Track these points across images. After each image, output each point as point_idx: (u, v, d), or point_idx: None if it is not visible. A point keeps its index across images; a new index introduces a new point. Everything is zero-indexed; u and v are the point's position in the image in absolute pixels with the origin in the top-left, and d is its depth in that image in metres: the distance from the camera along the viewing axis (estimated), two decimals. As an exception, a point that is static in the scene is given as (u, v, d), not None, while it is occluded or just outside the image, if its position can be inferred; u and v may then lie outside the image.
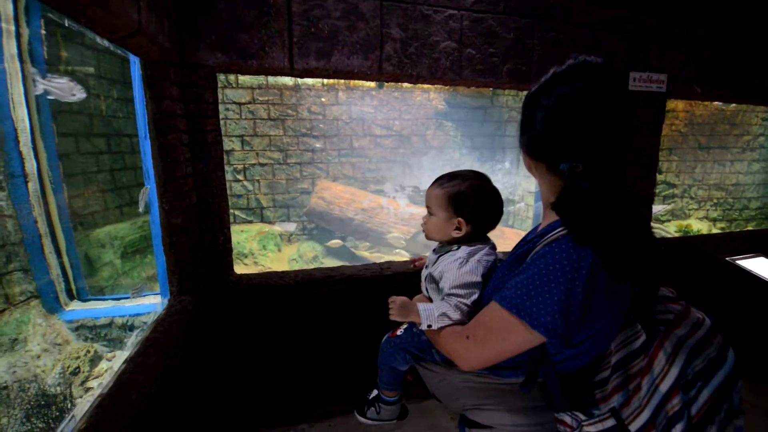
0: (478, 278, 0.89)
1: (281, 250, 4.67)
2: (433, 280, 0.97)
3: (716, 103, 5.68)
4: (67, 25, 1.95)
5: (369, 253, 4.59)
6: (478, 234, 1.00)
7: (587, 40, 2.18)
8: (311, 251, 4.53)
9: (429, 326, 0.85)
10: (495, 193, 1.00)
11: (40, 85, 1.78)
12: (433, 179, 1.06)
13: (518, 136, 0.83)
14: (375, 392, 1.30)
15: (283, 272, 2.05)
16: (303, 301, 1.98)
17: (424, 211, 1.09)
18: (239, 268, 1.95)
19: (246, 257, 4.15)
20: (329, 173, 5.24)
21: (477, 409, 0.90)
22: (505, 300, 0.71)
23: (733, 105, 5.71)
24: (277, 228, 4.91)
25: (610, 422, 0.72)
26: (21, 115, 1.74)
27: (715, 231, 5.95)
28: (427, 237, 1.05)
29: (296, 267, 4.16)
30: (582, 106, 0.68)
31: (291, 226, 5.10)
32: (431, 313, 0.86)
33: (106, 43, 1.36)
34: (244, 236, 4.33)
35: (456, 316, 0.84)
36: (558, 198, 0.73)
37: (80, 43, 2.31)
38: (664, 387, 0.68)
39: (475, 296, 0.87)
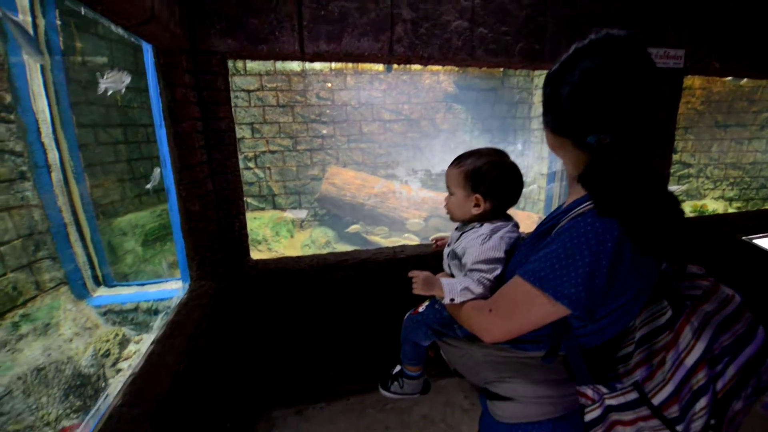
0: (501, 254, 0.90)
1: (294, 236, 4.73)
2: (456, 257, 0.98)
3: (728, 78, 5.50)
4: (82, 13, 1.96)
5: (381, 238, 4.62)
6: (498, 211, 1.01)
7: (602, 16, 2.13)
8: (323, 237, 4.58)
9: (452, 300, 0.86)
10: (512, 168, 0.99)
11: (103, 85, 1.82)
12: (447, 161, 1.06)
13: (542, 115, 0.82)
14: (398, 368, 1.33)
15: (298, 257, 2.09)
16: (318, 285, 2.02)
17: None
18: (253, 255, 1.99)
19: (260, 243, 4.21)
20: (339, 159, 5.24)
21: (499, 381, 0.91)
22: (528, 273, 0.72)
23: (745, 80, 5.51)
24: (289, 215, 4.96)
25: (632, 395, 0.73)
26: (41, 107, 1.77)
27: (731, 211, 5.84)
28: (451, 218, 1.06)
29: (309, 252, 4.22)
30: (606, 78, 0.68)
31: (302, 213, 5.15)
32: (454, 287, 0.87)
33: (119, 32, 1.37)
34: (257, 223, 4.38)
35: (478, 290, 0.85)
36: (585, 170, 0.73)
37: (93, 33, 2.32)
38: (690, 361, 0.68)
39: (498, 272, 0.88)
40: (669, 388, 0.69)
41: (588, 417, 0.80)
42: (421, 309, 1.13)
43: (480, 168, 0.97)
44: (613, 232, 0.65)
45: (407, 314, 1.19)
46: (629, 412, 0.74)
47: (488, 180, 0.97)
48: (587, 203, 0.71)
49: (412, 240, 4.41)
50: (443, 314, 1.03)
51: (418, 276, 0.93)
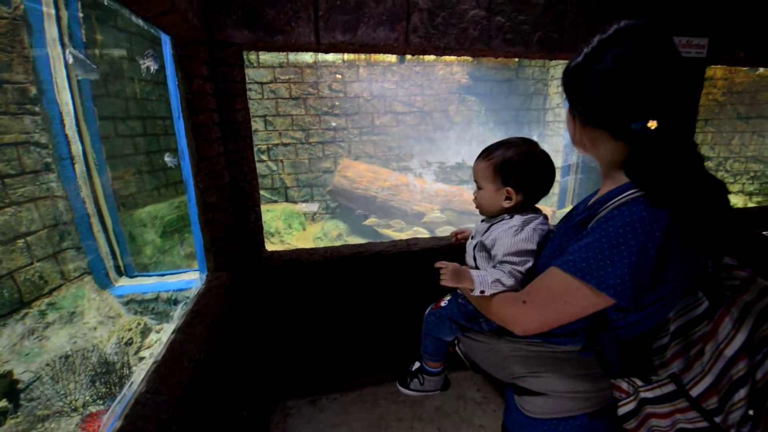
0: (534, 246, 0.88)
1: (306, 229, 4.76)
2: (484, 248, 0.96)
3: (745, 68, 5.31)
4: (105, 3, 1.96)
5: (393, 231, 4.62)
6: (529, 203, 0.98)
7: (623, 4, 2.07)
8: (335, 229, 4.60)
9: (482, 292, 0.84)
10: (543, 157, 0.96)
11: (144, 65, 1.83)
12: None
13: (569, 109, 0.80)
14: (417, 364, 1.28)
15: (312, 249, 2.10)
16: (332, 277, 2.03)
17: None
18: (267, 247, 2.01)
19: (272, 236, 4.25)
20: (351, 152, 5.23)
21: (529, 376, 0.90)
22: (568, 264, 0.70)
23: (761, 70, 5.32)
24: (301, 208, 4.99)
25: (669, 388, 0.72)
26: (65, 99, 1.79)
27: (750, 205, 5.69)
28: (481, 212, 1.04)
29: (321, 245, 4.24)
30: (645, 61, 0.66)
31: (314, 206, 5.17)
32: (485, 279, 0.84)
33: (139, 23, 1.37)
34: (269, 215, 4.42)
35: (510, 282, 0.83)
36: (630, 159, 0.70)
37: (113, 25, 2.34)
38: (730, 352, 0.67)
39: (530, 264, 0.86)
40: (708, 380, 0.68)
41: (622, 410, 0.79)
42: (443, 303, 1.10)
43: (510, 159, 0.93)
44: (661, 221, 0.64)
45: (429, 309, 1.16)
46: (666, 405, 0.73)
47: (519, 172, 0.93)
48: (629, 192, 0.70)
49: (422, 233, 4.40)
50: (468, 308, 1.00)
51: (446, 267, 0.89)
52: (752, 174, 5.91)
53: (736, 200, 5.74)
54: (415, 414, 2.04)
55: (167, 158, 1.78)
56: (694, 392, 0.70)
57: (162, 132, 2.94)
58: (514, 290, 0.83)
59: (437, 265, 0.91)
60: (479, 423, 1.98)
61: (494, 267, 0.89)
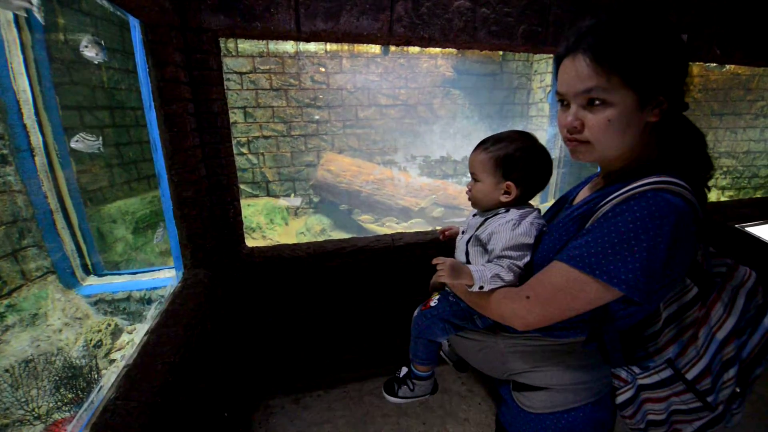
0: (531, 240, 0.86)
1: (288, 224, 4.67)
2: (479, 243, 0.93)
3: (711, 65, 5.46)
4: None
5: (376, 226, 4.58)
6: (525, 198, 0.97)
7: (606, -2, 2.07)
8: (318, 224, 4.53)
9: (480, 288, 0.82)
10: (544, 153, 0.95)
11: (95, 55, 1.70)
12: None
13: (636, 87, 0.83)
14: (405, 370, 1.21)
15: (294, 244, 2.05)
16: (315, 273, 1.99)
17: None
18: (248, 243, 1.95)
19: (254, 231, 4.15)
20: (334, 145, 5.15)
21: (529, 372, 0.88)
22: (575, 259, 0.69)
23: (729, 67, 5.48)
24: (283, 202, 4.89)
25: (666, 373, 0.76)
26: (22, 86, 1.66)
27: (723, 199, 5.89)
28: (474, 205, 1.02)
29: (304, 240, 4.16)
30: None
31: (297, 201, 5.08)
32: (484, 274, 0.82)
33: (105, 5, 1.28)
34: (251, 210, 4.31)
35: (509, 277, 0.82)
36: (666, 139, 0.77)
37: (77, 9, 2.20)
38: (721, 335, 0.72)
39: (527, 258, 0.85)
40: (703, 363, 0.73)
41: (620, 399, 0.82)
42: (433, 303, 1.05)
43: (512, 155, 0.92)
44: (671, 216, 0.64)
45: (417, 311, 1.10)
46: (664, 389, 0.77)
47: (521, 167, 0.92)
48: (633, 187, 0.69)
49: (392, 228, 4.39)
50: (460, 305, 0.97)
51: (444, 263, 0.86)
52: (725, 169, 6.12)
53: (709, 194, 5.93)
54: (400, 409, 2.03)
55: (74, 144, 1.61)
56: (690, 375, 0.74)
57: (133, 123, 2.81)
58: (513, 285, 0.82)
59: (435, 261, 0.88)
60: (464, 417, 1.99)
61: (491, 262, 0.87)
